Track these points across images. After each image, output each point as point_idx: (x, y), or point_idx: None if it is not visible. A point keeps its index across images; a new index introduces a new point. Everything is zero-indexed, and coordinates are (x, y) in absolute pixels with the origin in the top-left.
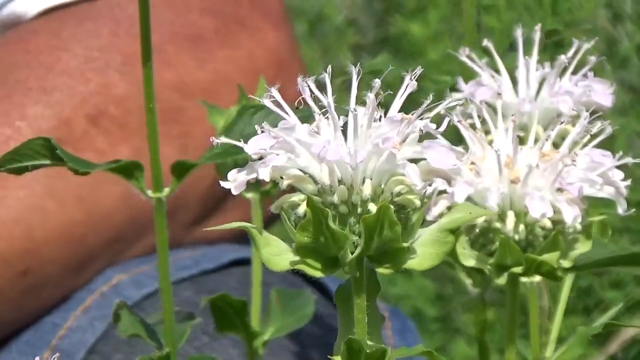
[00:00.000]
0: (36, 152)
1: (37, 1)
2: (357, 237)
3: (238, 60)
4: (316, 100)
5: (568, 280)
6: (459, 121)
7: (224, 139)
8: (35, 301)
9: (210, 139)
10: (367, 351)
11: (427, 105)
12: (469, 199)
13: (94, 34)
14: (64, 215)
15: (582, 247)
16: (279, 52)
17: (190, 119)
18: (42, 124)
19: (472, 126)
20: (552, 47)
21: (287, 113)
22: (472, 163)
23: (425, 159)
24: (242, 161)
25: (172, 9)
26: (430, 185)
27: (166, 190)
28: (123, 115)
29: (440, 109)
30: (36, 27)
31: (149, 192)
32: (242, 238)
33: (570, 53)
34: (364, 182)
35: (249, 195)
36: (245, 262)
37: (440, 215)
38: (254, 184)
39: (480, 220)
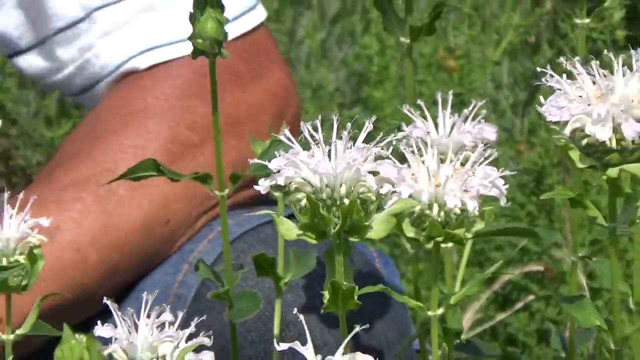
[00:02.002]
0: (147, 167)
1: (147, 58)
2: (337, 219)
3: (264, 87)
4: (312, 136)
5: (468, 245)
6: (404, 149)
7: (258, 160)
8: (172, 241)
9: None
10: (343, 288)
11: (380, 139)
12: (410, 196)
13: (171, 84)
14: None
15: (479, 225)
16: (284, 81)
17: (239, 132)
18: (140, 151)
19: (412, 152)
20: (459, 105)
21: (294, 144)
22: (412, 174)
23: (378, 172)
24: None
25: (220, 60)
26: (381, 187)
27: (227, 190)
28: (203, 131)
29: (387, 140)
30: (129, 83)
31: (217, 192)
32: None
33: (470, 108)
34: (341, 185)
35: (276, 194)
36: None
37: None
38: (279, 187)
39: (417, 209)
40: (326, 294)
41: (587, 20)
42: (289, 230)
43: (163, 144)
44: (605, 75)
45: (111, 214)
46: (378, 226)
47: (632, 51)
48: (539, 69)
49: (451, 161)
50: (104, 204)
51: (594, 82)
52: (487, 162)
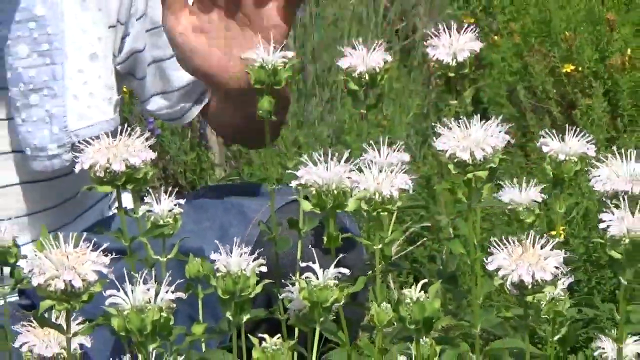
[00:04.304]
0: (235, 174)
1: None
2: (330, 201)
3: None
4: (318, 159)
5: (394, 214)
6: (363, 165)
7: (290, 171)
8: None
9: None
10: (333, 235)
11: (352, 161)
12: (365, 189)
13: None
14: None
15: (399, 203)
16: None
17: None
18: None
19: (366, 167)
20: (389, 144)
21: (308, 163)
22: (365, 178)
23: (350, 177)
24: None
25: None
26: (352, 185)
27: (273, 186)
28: None
29: (355, 162)
30: None
31: (269, 187)
32: None
33: (395, 146)
34: (332, 184)
35: (299, 188)
36: None
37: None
38: (301, 184)
39: (368, 195)
40: (325, 238)
41: (455, 102)
42: (306, 206)
43: None
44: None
45: None
46: (351, 204)
47: (476, 117)
48: (432, 124)
49: (385, 172)
50: None
51: (460, 131)
52: (403, 171)
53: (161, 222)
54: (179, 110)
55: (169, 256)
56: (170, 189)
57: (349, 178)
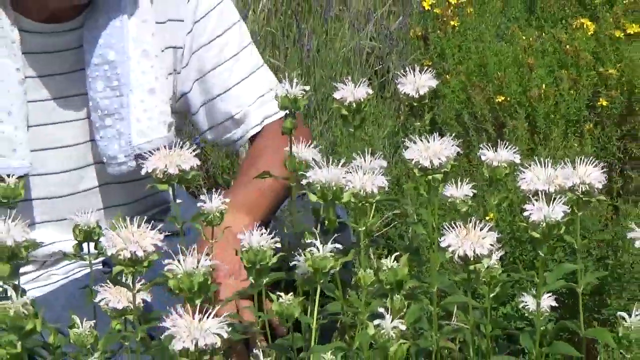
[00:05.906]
0: (265, 173)
1: (266, 120)
2: (330, 195)
3: (305, 130)
4: (322, 163)
5: (374, 205)
6: (353, 169)
7: (301, 172)
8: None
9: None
10: (333, 219)
11: (347, 166)
12: (354, 187)
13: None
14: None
15: (378, 197)
16: (307, 130)
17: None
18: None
19: (354, 171)
20: (371, 154)
21: (314, 167)
22: (355, 178)
23: (345, 177)
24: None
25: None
26: (346, 183)
27: (294, 183)
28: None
29: (348, 166)
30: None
31: (291, 183)
32: None
33: (376, 155)
34: (332, 182)
35: (306, 185)
36: None
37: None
38: (309, 183)
39: (356, 191)
40: (326, 222)
41: (418, 123)
42: (313, 198)
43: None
44: (428, 141)
45: (261, 188)
46: (345, 197)
47: (434, 135)
48: (402, 139)
49: (368, 174)
50: (258, 185)
51: (422, 144)
52: (381, 174)
53: (211, 216)
54: (224, 140)
55: (212, 241)
56: (214, 188)
57: (344, 178)
